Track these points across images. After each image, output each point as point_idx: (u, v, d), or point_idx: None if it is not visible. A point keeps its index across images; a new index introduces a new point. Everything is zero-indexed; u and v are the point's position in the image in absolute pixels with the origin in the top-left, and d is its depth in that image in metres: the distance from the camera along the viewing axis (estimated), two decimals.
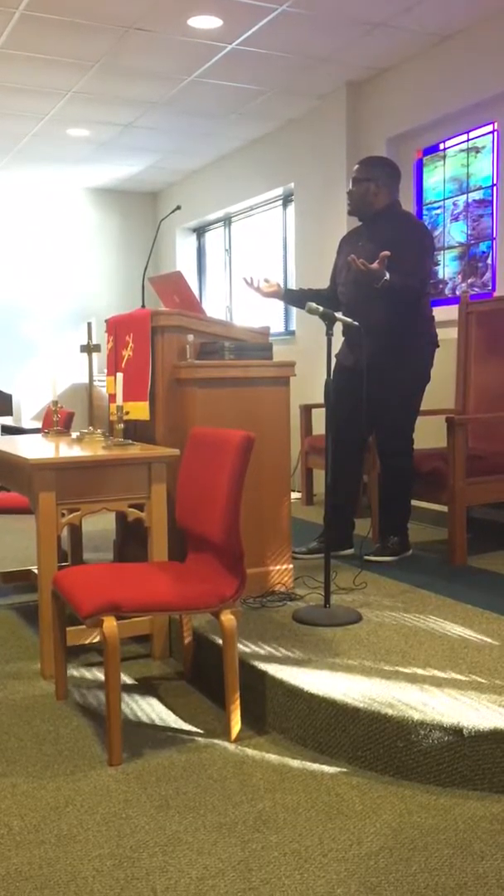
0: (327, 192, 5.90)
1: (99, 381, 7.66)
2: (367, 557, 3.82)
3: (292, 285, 6.37)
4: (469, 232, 5.12)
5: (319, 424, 5.31)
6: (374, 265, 3.50)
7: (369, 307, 3.67)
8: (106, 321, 3.76)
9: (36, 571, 3.19)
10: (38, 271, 8.23)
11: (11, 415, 7.84)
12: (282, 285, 4.02)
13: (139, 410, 3.35)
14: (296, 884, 1.77)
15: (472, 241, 5.10)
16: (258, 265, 7.29)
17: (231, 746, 2.40)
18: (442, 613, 3.08)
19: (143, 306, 3.70)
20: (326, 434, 3.11)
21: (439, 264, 5.31)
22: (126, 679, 2.90)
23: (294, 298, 4.12)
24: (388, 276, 3.53)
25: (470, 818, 2.01)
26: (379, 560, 3.82)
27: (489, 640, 2.79)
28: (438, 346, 3.88)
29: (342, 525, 3.96)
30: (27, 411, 8.20)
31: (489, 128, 4.92)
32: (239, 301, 7.66)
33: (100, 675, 2.94)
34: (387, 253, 3.50)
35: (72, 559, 3.96)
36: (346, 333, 3.89)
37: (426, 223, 5.37)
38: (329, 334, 3.09)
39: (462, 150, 5.13)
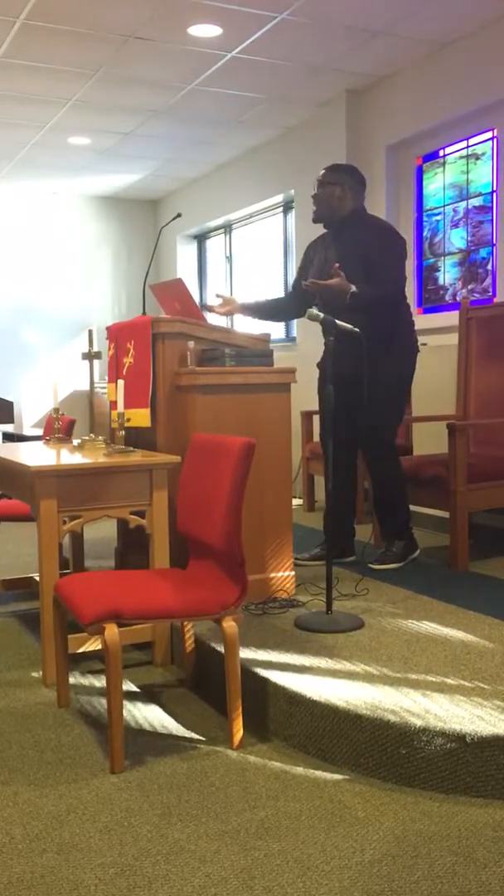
0: None
1: (100, 388, 7.69)
2: (371, 566, 3.80)
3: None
4: (469, 238, 5.13)
5: None
6: (334, 280, 3.44)
7: (347, 315, 3.62)
8: (107, 328, 3.76)
9: (37, 579, 3.19)
10: (40, 279, 8.25)
11: (13, 422, 7.85)
12: (238, 301, 3.93)
13: (140, 417, 3.35)
14: (298, 892, 1.76)
15: (473, 248, 5.11)
16: (258, 272, 7.31)
17: (233, 754, 2.40)
18: (444, 619, 3.07)
19: (143, 313, 3.71)
20: (322, 440, 3.10)
21: (440, 271, 5.32)
22: (128, 686, 2.90)
23: (254, 310, 4.02)
24: (353, 288, 3.47)
25: (473, 825, 2.01)
26: (384, 568, 3.80)
27: (491, 645, 2.78)
28: (419, 351, 3.86)
29: (341, 533, 3.94)
30: (28, 419, 8.22)
31: (489, 134, 4.93)
32: None
33: (101, 682, 2.94)
34: (336, 265, 3.47)
35: (73, 566, 3.96)
36: (331, 340, 3.84)
37: (426, 229, 5.39)
38: (329, 341, 3.09)
39: (462, 157, 5.14)
